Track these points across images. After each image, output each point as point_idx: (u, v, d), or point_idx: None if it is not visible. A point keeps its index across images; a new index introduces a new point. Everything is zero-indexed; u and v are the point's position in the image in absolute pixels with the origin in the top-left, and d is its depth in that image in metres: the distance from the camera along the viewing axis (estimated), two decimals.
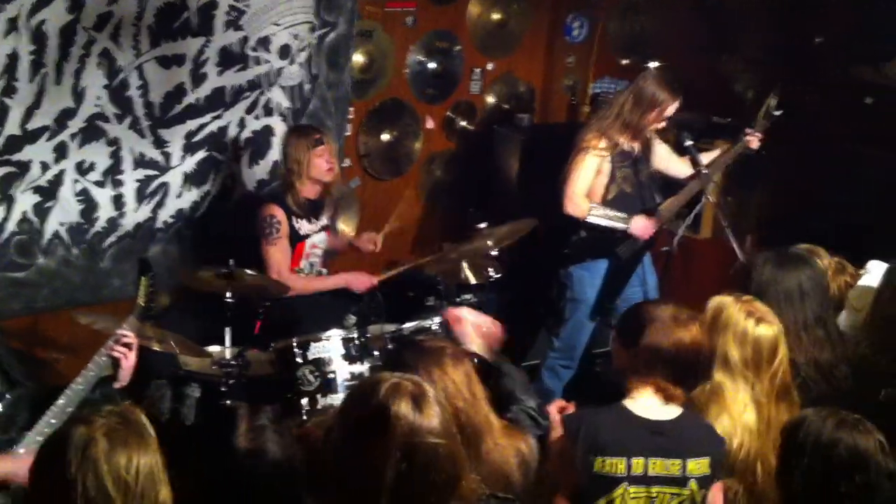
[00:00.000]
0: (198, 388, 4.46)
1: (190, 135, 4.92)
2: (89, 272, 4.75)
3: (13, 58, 4.29)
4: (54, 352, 4.67)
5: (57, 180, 4.57)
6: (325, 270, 4.95)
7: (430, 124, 6.05)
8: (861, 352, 3.33)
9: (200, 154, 4.99)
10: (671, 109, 4.65)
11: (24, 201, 4.51)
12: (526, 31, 6.29)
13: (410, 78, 5.86)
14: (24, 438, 3.07)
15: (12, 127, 4.37)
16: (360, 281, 4.79)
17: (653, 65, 5.58)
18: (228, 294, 4.29)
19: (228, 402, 3.82)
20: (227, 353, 4.34)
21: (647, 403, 2.85)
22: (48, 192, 4.56)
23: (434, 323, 4.53)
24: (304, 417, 4.10)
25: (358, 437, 2.08)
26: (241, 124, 5.10)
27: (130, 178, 4.79)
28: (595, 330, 5.10)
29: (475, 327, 3.29)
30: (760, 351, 2.98)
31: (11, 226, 4.49)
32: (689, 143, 4.78)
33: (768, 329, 3.00)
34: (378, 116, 5.80)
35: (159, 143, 4.83)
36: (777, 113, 4.73)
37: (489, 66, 6.20)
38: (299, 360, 4.16)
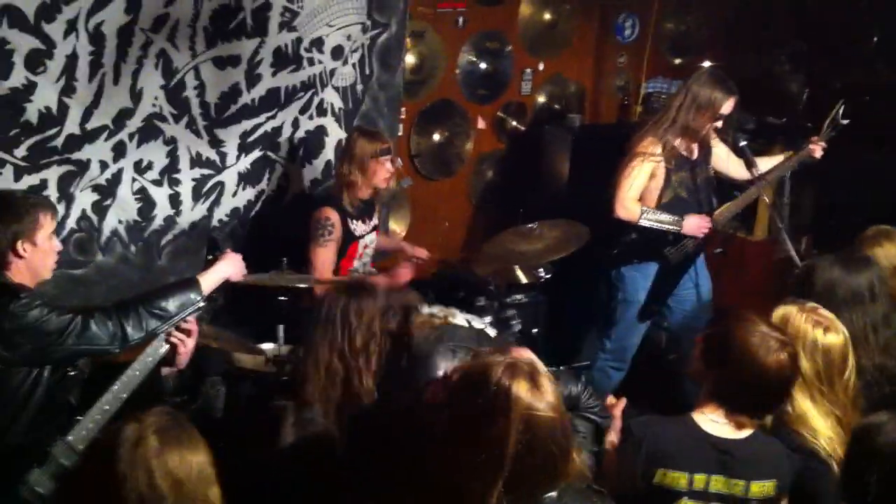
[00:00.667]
0: (222, 382, 4.53)
1: (245, 135, 4.97)
2: (146, 270, 4.81)
3: (72, 58, 4.35)
4: None
5: (115, 179, 4.63)
6: (374, 270, 4.97)
7: (480, 125, 6.06)
8: None
9: (255, 154, 5.04)
10: (727, 108, 4.59)
11: (84, 199, 4.58)
12: (576, 31, 6.27)
13: (461, 78, 5.87)
14: (76, 424, 3.11)
15: (72, 126, 4.44)
16: (399, 276, 4.77)
17: (706, 64, 5.55)
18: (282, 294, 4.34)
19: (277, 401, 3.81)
20: (281, 351, 4.39)
21: (715, 419, 2.79)
22: (107, 191, 4.63)
23: (485, 323, 4.54)
24: None
25: (481, 414, 2.15)
26: (295, 124, 5.14)
27: (187, 177, 4.85)
28: (646, 331, 5.07)
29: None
30: (832, 361, 2.90)
31: (71, 223, 4.56)
32: (743, 143, 4.73)
33: (837, 337, 2.93)
34: (429, 117, 5.82)
35: (215, 143, 4.89)
36: (844, 122, 4.64)
37: (540, 67, 6.19)
38: None
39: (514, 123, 6.21)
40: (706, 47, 6.63)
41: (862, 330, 3.18)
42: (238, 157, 4.99)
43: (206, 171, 4.91)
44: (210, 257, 3.47)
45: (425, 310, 3.34)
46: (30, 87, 4.29)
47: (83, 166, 4.53)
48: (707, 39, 6.70)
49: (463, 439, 2.16)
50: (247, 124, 4.95)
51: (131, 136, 4.62)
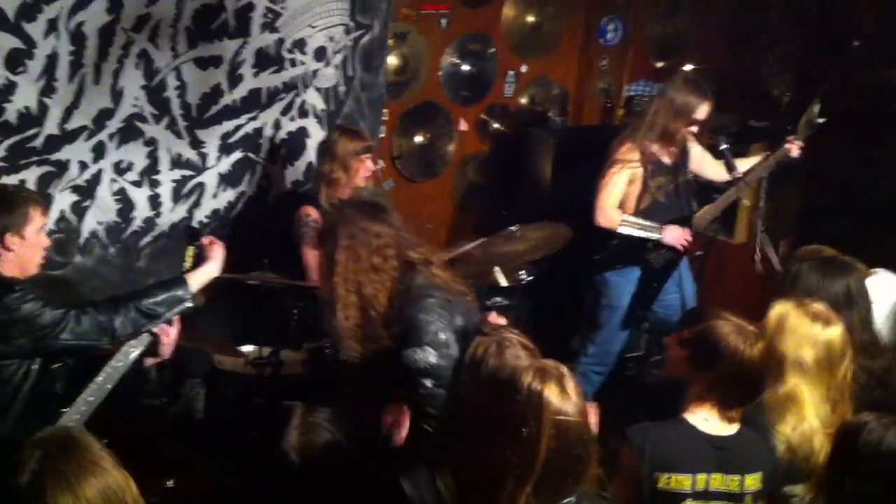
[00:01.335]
0: (202, 384, 4.52)
1: (226, 135, 4.95)
2: (126, 271, 4.80)
3: (53, 58, 4.34)
4: None
5: (95, 180, 4.62)
6: None
7: (463, 126, 6.06)
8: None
9: (236, 155, 5.03)
10: (702, 113, 4.62)
11: (63, 200, 4.57)
12: (560, 34, 6.27)
13: (444, 80, 5.86)
14: (62, 416, 3.11)
15: (51, 126, 4.43)
16: None
17: (687, 68, 5.57)
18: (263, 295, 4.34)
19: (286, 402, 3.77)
20: (262, 353, 4.37)
21: (708, 418, 2.84)
22: (86, 192, 4.62)
23: None
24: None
25: (512, 419, 2.17)
26: (277, 126, 5.13)
27: (167, 178, 4.84)
28: (629, 335, 5.08)
29: None
30: (833, 351, 2.95)
31: (49, 224, 4.49)
32: (724, 146, 4.75)
33: (836, 329, 2.98)
34: (412, 118, 5.81)
35: (196, 144, 4.87)
36: (820, 121, 4.67)
37: (523, 69, 6.19)
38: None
39: (498, 125, 6.21)
40: (688, 50, 6.64)
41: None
42: (219, 158, 4.97)
43: (186, 172, 4.89)
44: (192, 247, 3.43)
45: None
46: (9, 87, 4.28)
47: (62, 167, 4.51)
48: (689, 43, 6.71)
49: (495, 442, 2.20)
50: (228, 125, 4.94)
51: (111, 137, 4.60)
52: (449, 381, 3.07)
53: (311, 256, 4.57)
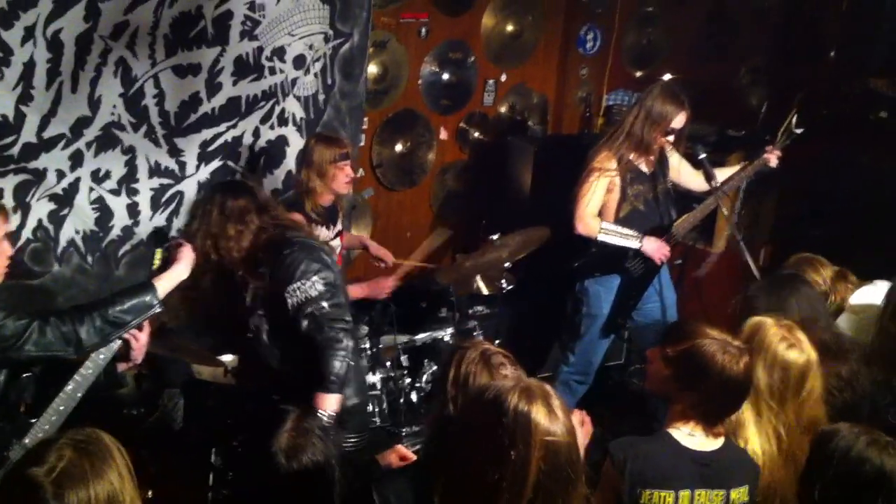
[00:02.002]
0: (180, 394, 4.49)
1: (205, 144, 4.93)
2: (104, 280, 4.75)
3: (30, 66, 4.30)
4: None
5: (72, 188, 4.58)
6: None
7: (443, 135, 6.06)
8: (874, 373, 3.33)
9: (215, 163, 5.00)
10: (679, 122, 4.64)
11: (40, 209, 4.52)
12: (539, 43, 6.29)
13: (424, 88, 5.87)
14: (32, 426, 3.07)
15: (28, 135, 4.39)
16: (379, 287, 4.77)
17: (666, 77, 5.59)
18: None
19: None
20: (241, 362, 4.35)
21: (692, 433, 2.82)
22: (63, 200, 4.57)
23: (446, 334, 4.55)
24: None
25: (500, 442, 2.14)
26: (256, 134, 5.11)
27: (145, 186, 4.80)
28: (609, 344, 5.09)
29: None
30: (788, 378, 2.93)
31: (27, 233, 4.50)
32: (703, 155, 4.77)
33: (799, 356, 2.95)
34: (392, 127, 5.81)
35: (174, 152, 4.84)
36: (798, 131, 4.71)
37: (503, 78, 6.21)
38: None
39: (477, 134, 6.22)
40: (667, 60, 6.68)
41: None
42: (198, 167, 4.95)
43: (165, 181, 4.86)
44: (160, 250, 3.40)
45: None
46: None
47: (40, 175, 4.47)
48: (668, 52, 6.76)
49: (483, 465, 2.16)
50: (207, 133, 4.91)
51: (89, 145, 4.57)
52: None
53: None
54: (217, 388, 4.31)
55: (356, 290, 4.78)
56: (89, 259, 4.73)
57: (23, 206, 4.46)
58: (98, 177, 4.65)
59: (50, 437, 2.19)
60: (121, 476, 2.13)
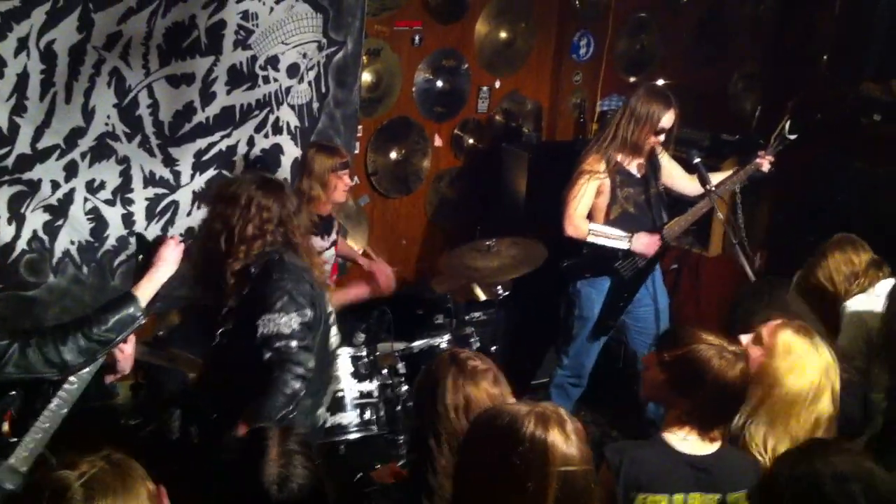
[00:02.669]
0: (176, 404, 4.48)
1: (199, 153, 4.93)
2: (99, 291, 4.74)
3: (23, 77, 4.30)
4: None
5: (67, 199, 4.57)
6: (331, 284, 4.95)
7: (437, 142, 6.07)
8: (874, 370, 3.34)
9: (210, 172, 5.00)
10: (667, 121, 4.65)
11: (35, 220, 4.51)
12: (533, 50, 6.31)
13: (418, 96, 5.87)
14: (17, 445, 3.03)
15: (23, 146, 4.38)
16: (383, 283, 4.78)
17: (660, 82, 5.61)
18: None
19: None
20: None
21: (687, 437, 2.81)
22: (58, 211, 4.57)
23: (443, 341, 4.55)
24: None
25: (517, 470, 2.07)
26: (251, 143, 5.11)
27: (140, 196, 4.80)
28: (605, 347, 5.09)
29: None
30: (817, 381, 2.90)
31: (22, 244, 4.49)
32: (697, 160, 4.78)
33: (824, 358, 2.94)
34: (386, 134, 5.81)
35: (169, 162, 4.84)
36: (791, 137, 4.73)
37: (496, 84, 6.22)
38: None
39: (472, 141, 6.23)
40: (660, 65, 6.70)
41: None
42: (192, 176, 4.95)
43: (159, 191, 4.86)
44: (140, 257, 3.34)
45: None
46: None
47: (34, 186, 4.46)
48: (661, 58, 6.77)
49: (498, 497, 2.10)
50: (201, 143, 4.92)
51: (83, 156, 4.56)
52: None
53: None
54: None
55: (360, 291, 4.77)
56: (84, 270, 4.72)
57: (17, 217, 4.45)
58: (93, 187, 4.64)
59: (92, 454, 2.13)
60: (149, 500, 2.08)
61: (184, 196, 4.96)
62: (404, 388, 4.43)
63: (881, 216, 5.53)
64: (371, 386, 4.30)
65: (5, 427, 3.10)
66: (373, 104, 5.67)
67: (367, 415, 4.25)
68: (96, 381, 3.17)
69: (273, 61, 5.05)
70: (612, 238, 4.72)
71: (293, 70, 5.14)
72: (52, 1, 4.24)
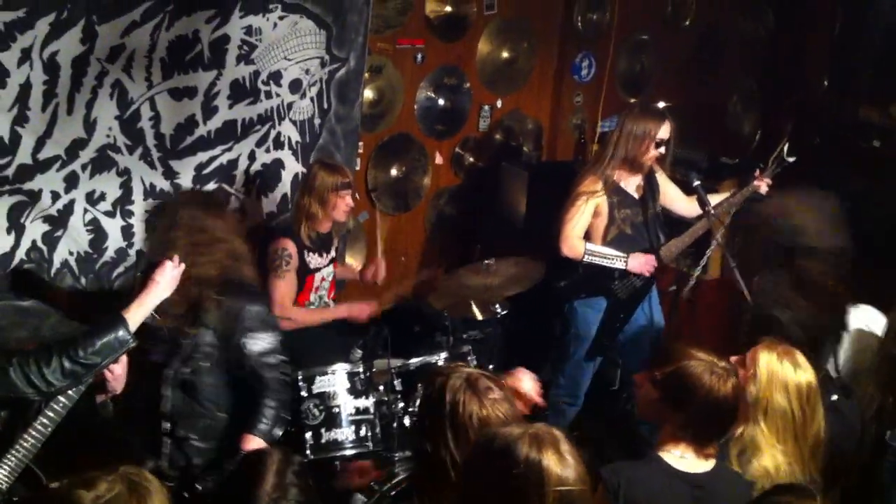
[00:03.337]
0: None
1: (200, 167, 4.94)
2: (98, 301, 4.74)
3: (26, 87, 4.31)
4: None
5: (67, 210, 4.57)
6: (332, 302, 4.95)
7: (438, 160, 6.08)
8: (868, 391, 3.35)
9: (210, 186, 5.00)
10: (664, 132, 4.68)
11: (34, 230, 4.51)
12: (534, 69, 6.33)
13: (419, 113, 5.89)
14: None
15: (23, 156, 4.39)
16: (360, 310, 4.80)
17: (661, 104, 5.63)
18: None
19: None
20: None
21: (683, 455, 2.83)
22: (58, 222, 4.57)
23: (440, 359, 4.53)
24: (308, 452, 4.09)
25: (511, 491, 2.08)
26: (252, 157, 5.12)
27: (140, 208, 4.80)
28: (600, 368, 5.09)
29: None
30: (804, 401, 2.96)
31: (21, 254, 4.49)
32: (696, 182, 4.80)
33: (807, 376, 3.00)
34: (387, 151, 5.82)
35: (169, 175, 4.84)
36: (790, 160, 4.75)
37: (498, 103, 6.23)
38: (304, 393, 4.16)
39: (472, 159, 6.24)
40: (660, 86, 6.72)
41: None
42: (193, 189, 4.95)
43: (160, 203, 4.86)
44: (138, 275, 3.35)
45: None
46: None
47: (34, 196, 4.47)
48: (661, 79, 6.80)
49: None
50: (202, 156, 4.92)
51: (84, 167, 4.57)
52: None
53: (280, 288, 4.57)
54: None
55: (340, 311, 4.80)
56: (83, 281, 4.71)
57: (17, 227, 4.45)
58: (93, 198, 4.64)
59: (107, 471, 2.13)
60: None
61: None
62: (400, 405, 4.43)
63: (879, 238, 5.55)
64: (367, 402, 4.28)
65: None
66: (374, 120, 5.68)
67: (363, 431, 4.23)
68: (86, 398, 3.15)
69: (275, 76, 5.06)
70: (608, 258, 4.73)
71: (295, 85, 5.15)
72: (57, 12, 4.26)
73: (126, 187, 4.73)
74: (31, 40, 4.26)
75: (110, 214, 4.73)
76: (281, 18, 4.96)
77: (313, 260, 4.70)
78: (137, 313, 3.18)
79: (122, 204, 4.75)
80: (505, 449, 2.13)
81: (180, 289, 3.35)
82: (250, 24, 4.86)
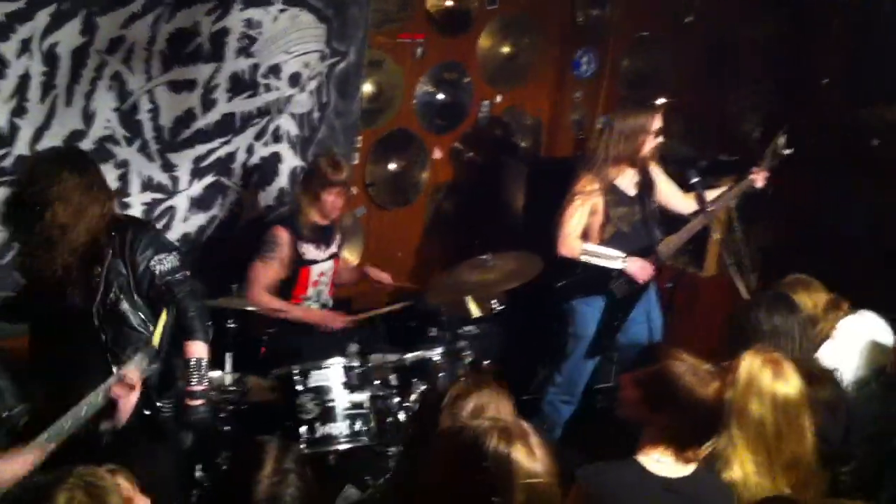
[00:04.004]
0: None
1: (198, 159, 4.94)
2: None
3: (25, 78, 4.31)
4: None
5: None
6: (330, 300, 4.95)
7: (437, 155, 6.07)
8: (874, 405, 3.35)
9: (208, 179, 5.01)
10: (657, 123, 4.67)
11: None
12: (535, 65, 6.32)
13: (419, 108, 5.88)
14: None
15: (22, 147, 4.39)
16: (333, 319, 4.79)
17: (660, 101, 5.62)
18: (230, 321, 4.32)
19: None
20: (227, 379, 4.34)
21: (661, 459, 2.81)
22: None
23: (436, 353, 4.54)
24: (303, 446, 4.10)
25: (480, 484, 2.08)
26: (250, 150, 5.12)
27: (137, 200, 4.81)
28: (597, 365, 5.09)
29: None
30: (782, 412, 2.91)
31: (16, 245, 4.49)
32: (695, 180, 4.79)
33: (791, 388, 2.95)
34: (386, 146, 5.81)
35: (167, 167, 4.85)
36: (786, 152, 4.74)
37: (497, 99, 6.23)
38: (300, 387, 4.16)
39: (471, 154, 6.23)
40: (661, 85, 6.71)
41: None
42: (190, 182, 4.95)
43: (157, 195, 4.86)
44: (166, 313, 3.45)
45: None
46: None
47: None
48: (662, 77, 6.79)
49: (467, 500, 2.11)
50: (200, 149, 4.92)
51: None
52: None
53: (256, 269, 4.63)
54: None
55: (312, 315, 4.77)
56: None
57: None
58: None
59: (60, 474, 2.13)
60: None
61: (181, 202, 4.96)
62: (396, 399, 4.43)
63: (879, 240, 5.54)
64: (362, 397, 4.29)
65: None
66: (373, 115, 5.68)
67: (358, 426, 4.24)
68: (87, 425, 3.13)
69: (275, 70, 5.06)
70: (606, 257, 4.72)
71: (295, 79, 5.15)
72: (57, 3, 4.27)
73: (123, 179, 4.74)
74: (30, 31, 4.26)
75: None
76: (281, 11, 4.96)
77: (309, 251, 4.70)
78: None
79: (119, 196, 4.73)
80: (473, 442, 2.14)
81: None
82: (250, 17, 4.85)
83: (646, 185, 4.84)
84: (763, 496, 2.80)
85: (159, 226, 4.91)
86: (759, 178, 4.80)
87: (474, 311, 5.15)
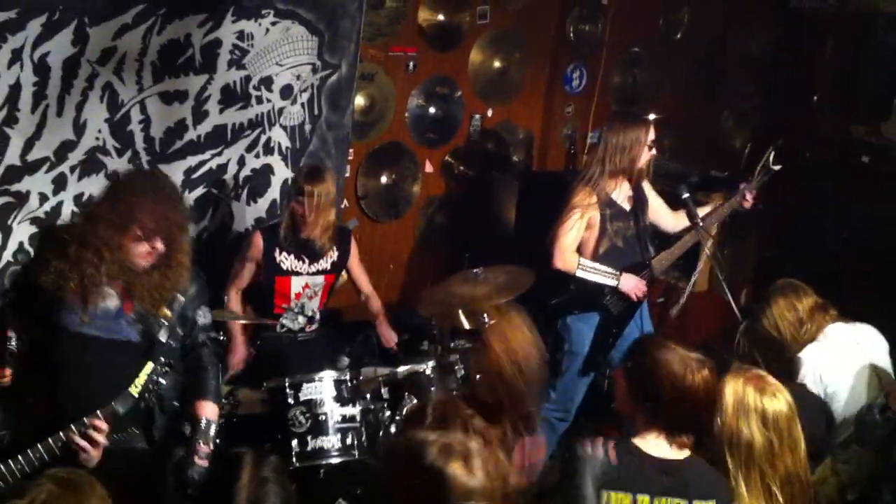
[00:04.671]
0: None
1: (189, 171, 4.92)
2: None
3: (15, 88, 4.29)
4: None
5: (55, 212, 4.55)
6: (318, 312, 4.92)
7: (428, 168, 6.07)
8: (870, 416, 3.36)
9: (199, 190, 4.99)
10: (651, 134, 4.70)
11: (21, 232, 4.49)
12: (526, 80, 6.33)
13: (411, 121, 5.88)
14: None
15: (12, 157, 4.37)
16: (237, 352, 4.72)
17: (651, 116, 5.64)
18: (221, 333, 4.29)
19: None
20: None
21: (656, 442, 2.85)
22: (46, 224, 4.53)
23: (427, 367, 4.52)
24: (294, 460, 4.07)
25: (415, 497, 2.08)
26: (241, 162, 5.11)
27: None
28: (592, 381, 5.07)
29: None
30: (779, 428, 2.89)
31: (7, 255, 4.47)
32: (685, 195, 4.80)
33: (782, 403, 2.92)
34: (377, 158, 5.81)
35: None
36: (776, 168, 4.76)
37: (489, 113, 6.24)
38: (291, 400, 4.14)
39: (462, 168, 6.23)
40: (652, 100, 6.74)
41: None
42: (181, 194, 4.92)
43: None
44: (151, 363, 3.26)
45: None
46: None
47: (22, 198, 4.45)
48: (653, 92, 6.82)
49: None
50: (192, 160, 4.91)
51: (73, 169, 4.55)
52: None
53: (233, 266, 4.77)
54: None
55: (238, 339, 4.74)
56: None
57: (4, 229, 4.43)
58: (81, 201, 4.62)
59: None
60: None
61: None
62: (387, 413, 4.41)
63: (869, 253, 5.57)
64: (353, 410, 4.27)
65: None
66: (365, 128, 5.68)
67: (349, 439, 4.21)
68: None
69: (267, 82, 5.05)
70: (601, 274, 4.72)
71: (287, 91, 5.14)
72: (49, 13, 4.25)
73: None
74: (22, 41, 4.24)
75: None
76: (273, 24, 4.96)
77: (287, 262, 4.68)
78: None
79: None
80: (415, 454, 2.14)
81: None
82: (242, 29, 4.85)
83: (639, 199, 4.85)
84: None
85: None
86: (747, 201, 4.82)
87: (465, 324, 5.14)
